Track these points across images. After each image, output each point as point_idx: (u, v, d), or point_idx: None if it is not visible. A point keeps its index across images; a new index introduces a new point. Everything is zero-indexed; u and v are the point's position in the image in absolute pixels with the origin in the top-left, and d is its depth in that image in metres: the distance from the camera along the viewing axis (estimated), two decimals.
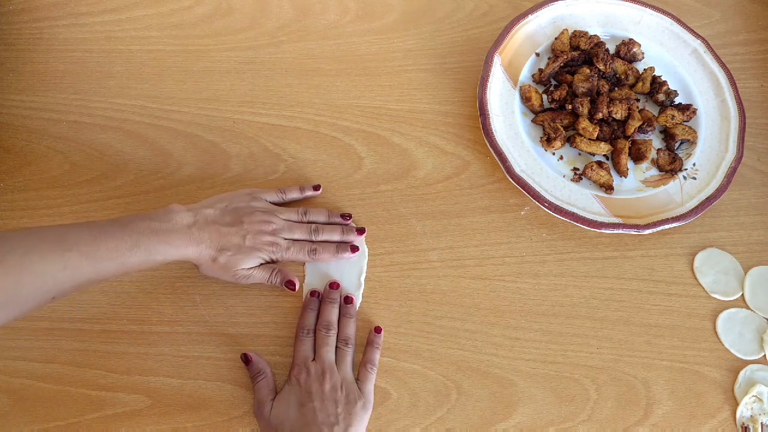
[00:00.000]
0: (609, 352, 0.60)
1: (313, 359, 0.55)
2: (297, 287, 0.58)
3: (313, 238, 0.59)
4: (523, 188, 0.64)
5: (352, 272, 0.61)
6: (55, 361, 0.56)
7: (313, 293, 0.60)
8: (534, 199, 0.64)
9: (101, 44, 0.73)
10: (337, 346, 0.56)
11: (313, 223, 0.61)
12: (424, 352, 0.59)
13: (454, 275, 0.62)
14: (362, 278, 0.61)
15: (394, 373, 0.57)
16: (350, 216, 0.63)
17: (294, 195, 0.63)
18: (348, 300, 0.59)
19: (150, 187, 0.65)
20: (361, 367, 0.57)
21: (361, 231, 0.62)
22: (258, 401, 0.54)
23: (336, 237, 0.61)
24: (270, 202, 0.61)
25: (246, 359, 0.56)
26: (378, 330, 0.59)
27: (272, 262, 0.58)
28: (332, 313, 0.58)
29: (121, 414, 0.54)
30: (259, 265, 0.57)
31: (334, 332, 0.57)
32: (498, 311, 0.61)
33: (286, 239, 0.58)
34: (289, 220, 0.59)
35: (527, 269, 0.63)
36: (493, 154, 0.66)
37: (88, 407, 0.55)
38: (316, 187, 0.64)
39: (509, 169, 0.65)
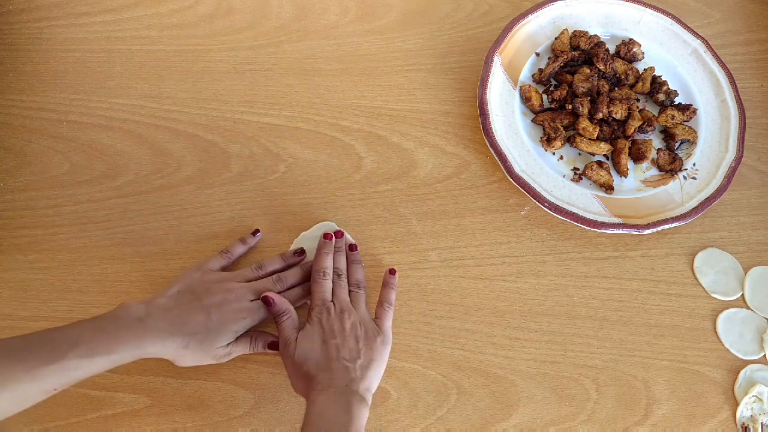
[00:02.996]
0: (609, 352, 0.60)
1: (331, 300, 0.56)
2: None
3: (279, 290, 0.57)
4: (523, 188, 0.64)
5: None
6: None
7: (326, 236, 0.60)
8: (534, 199, 0.64)
9: (101, 44, 0.73)
10: (349, 290, 0.58)
11: (272, 273, 0.58)
12: (424, 352, 0.59)
13: (454, 275, 0.62)
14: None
15: (394, 373, 0.57)
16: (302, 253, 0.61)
17: (239, 250, 0.60)
18: (353, 247, 0.61)
19: (150, 187, 0.65)
20: (378, 307, 0.58)
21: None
22: (283, 340, 0.53)
23: (299, 278, 0.59)
24: (220, 269, 0.58)
25: (267, 301, 0.54)
26: (392, 271, 0.61)
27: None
28: (341, 260, 0.60)
29: (121, 414, 0.54)
30: (236, 339, 0.53)
31: (345, 277, 0.58)
32: (498, 311, 0.61)
33: (252, 301, 0.55)
34: (248, 281, 0.57)
35: (527, 269, 0.63)
36: (493, 154, 0.66)
37: (88, 407, 0.55)
38: (255, 233, 0.62)
39: (509, 169, 0.65)
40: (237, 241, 0.61)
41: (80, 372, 0.46)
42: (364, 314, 0.56)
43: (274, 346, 0.55)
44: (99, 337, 0.47)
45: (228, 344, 0.53)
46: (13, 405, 0.44)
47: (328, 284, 0.57)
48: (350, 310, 0.55)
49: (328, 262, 0.58)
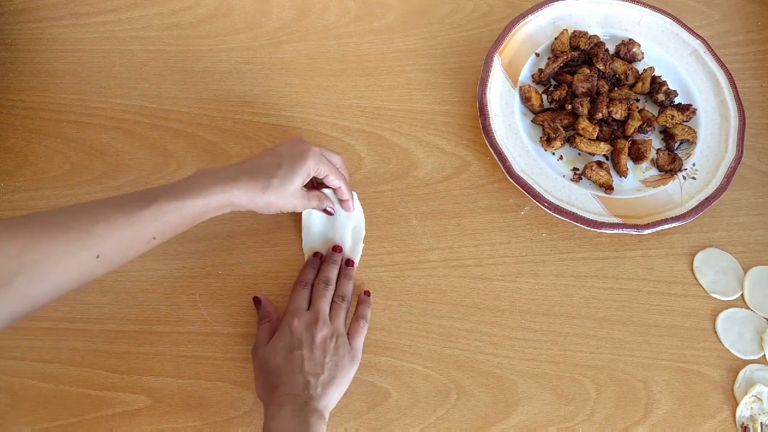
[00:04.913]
0: (609, 351, 0.60)
1: (308, 309, 0.55)
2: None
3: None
4: (523, 188, 0.64)
5: (348, 234, 0.62)
6: (55, 361, 0.56)
7: (316, 254, 0.61)
8: (534, 199, 0.64)
9: (101, 44, 0.73)
10: (332, 301, 0.57)
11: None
12: (424, 352, 0.59)
13: (454, 275, 0.62)
14: (361, 236, 0.63)
15: (394, 373, 0.58)
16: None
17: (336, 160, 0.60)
18: (349, 263, 0.61)
19: (150, 187, 0.65)
20: (352, 322, 0.57)
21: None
22: (256, 342, 0.55)
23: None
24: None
25: (257, 301, 0.58)
26: (367, 293, 0.60)
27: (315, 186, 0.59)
28: (332, 271, 0.59)
29: (121, 414, 0.54)
30: (306, 193, 0.56)
31: (332, 288, 0.57)
32: (498, 311, 0.61)
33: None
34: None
35: (527, 269, 0.63)
36: (493, 154, 0.66)
37: (88, 407, 0.55)
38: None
39: (509, 169, 0.65)
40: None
41: (174, 216, 0.47)
42: (340, 328, 0.55)
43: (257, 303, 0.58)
44: (186, 184, 0.49)
45: (302, 193, 0.55)
46: (118, 255, 0.46)
47: (307, 294, 0.57)
48: (325, 321, 0.54)
49: (311, 275, 0.59)
